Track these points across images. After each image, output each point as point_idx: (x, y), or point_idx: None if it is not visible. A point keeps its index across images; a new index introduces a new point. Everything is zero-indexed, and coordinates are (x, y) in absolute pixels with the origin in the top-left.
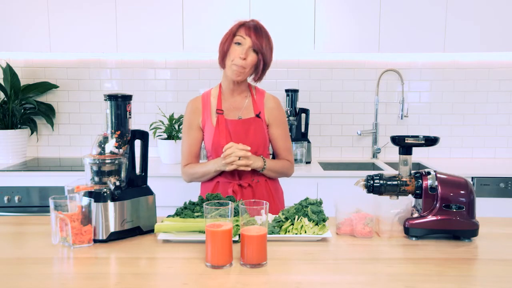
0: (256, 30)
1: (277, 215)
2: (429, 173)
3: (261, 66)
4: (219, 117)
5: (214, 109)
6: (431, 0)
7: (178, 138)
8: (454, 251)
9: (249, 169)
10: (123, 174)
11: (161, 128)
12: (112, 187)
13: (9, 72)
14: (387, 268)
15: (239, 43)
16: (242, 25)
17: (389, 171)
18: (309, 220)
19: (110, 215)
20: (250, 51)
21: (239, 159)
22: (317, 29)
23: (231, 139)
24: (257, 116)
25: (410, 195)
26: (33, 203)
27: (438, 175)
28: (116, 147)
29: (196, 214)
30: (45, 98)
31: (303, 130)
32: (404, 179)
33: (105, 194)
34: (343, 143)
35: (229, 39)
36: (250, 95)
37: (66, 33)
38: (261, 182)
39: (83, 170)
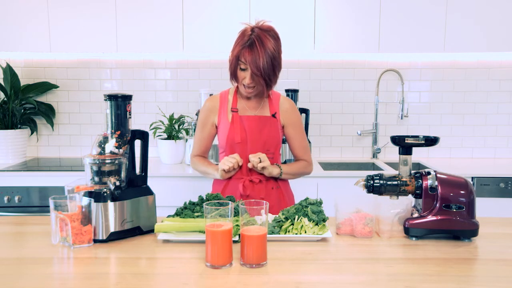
0: (252, 51)
1: (277, 215)
2: (429, 173)
3: (265, 85)
4: (234, 115)
5: (231, 107)
6: (431, 0)
7: (178, 138)
8: (454, 251)
9: (264, 171)
10: (123, 174)
11: (161, 128)
12: (112, 187)
13: (9, 72)
14: (387, 268)
15: (243, 69)
16: (242, 47)
17: (389, 171)
18: (309, 220)
19: (110, 215)
20: (254, 75)
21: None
22: (317, 29)
23: (246, 135)
24: (273, 116)
25: (410, 195)
26: (33, 203)
27: (438, 175)
28: (116, 147)
29: (196, 214)
30: (45, 98)
31: None
32: (404, 179)
33: (105, 194)
34: (343, 143)
35: (234, 62)
36: (266, 96)
37: (66, 33)
38: (270, 180)
39: (83, 170)
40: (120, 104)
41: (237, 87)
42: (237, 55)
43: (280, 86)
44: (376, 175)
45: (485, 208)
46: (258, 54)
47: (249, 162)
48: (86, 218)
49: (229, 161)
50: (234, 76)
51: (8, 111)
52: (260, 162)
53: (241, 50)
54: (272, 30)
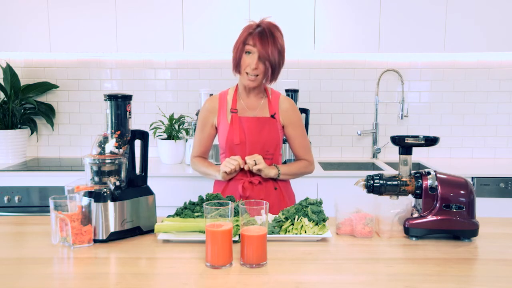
0: (262, 38)
1: (277, 215)
2: (429, 173)
3: (269, 73)
4: (233, 116)
5: (230, 108)
6: (431, 0)
7: (178, 138)
8: (454, 251)
9: (260, 172)
10: (123, 174)
11: (161, 128)
12: (112, 187)
13: (9, 72)
14: (387, 268)
15: (249, 52)
16: (250, 33)
17: (389, 171)
18: (309, 220)
19: (110, 215)
20: (259, 60)
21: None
22: (317, 29)
23: (245, 137)
24: (272, 116)
25: (410, 195)
26: (33, 203)
27: (438, 175)
28: (116, 147)
29: (196, 214)
30: (45, 98)
31: None
32: (404, 179)
33: (105, 194)
34: (343, 143)
35: (240, 47)
36: (265, 96)
37: (66, 33)
38: (270, 181)
39: (83, 170)
40: (120, 104)
41: (237, 87)
42: (244, 40)
43: (280, 86)
44: (376, 175)
45: (485, 208)
46: (268, 41)
47: (245, 164)
48: (86, 218)
49: (231, 163)
50: (238, 63)
51: (8, 111)
52: (256, 164)
53: (249, 36)
54: (278, 27)
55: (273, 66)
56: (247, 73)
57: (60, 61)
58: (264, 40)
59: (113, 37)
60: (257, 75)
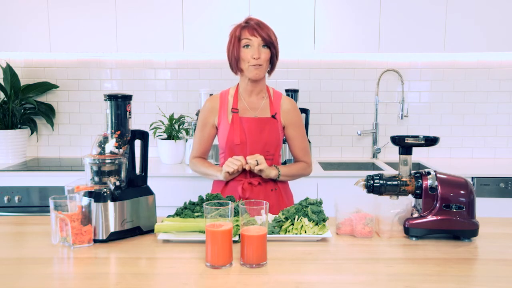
0: (260, 27)
1: (277, 215)
2: (429, 173)
3: (275, 58)
4: (234, 116)
5: (231, 108)
6: (431, 0)
7: (178, 138)
8: (454, 251)
9: (261, 173)
10: (123, 174)
11: (161, 128)
12: (112, 187)
13: (9, 72)
14: (387, 268)
15: (247, 46)
16: (243, 27)
17: (389, 171)
18: (309, 220)
19: (110, 215)
20: (260, 48)
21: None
22: (317, 29)
23: (245, 137)
24: (273, 117)
25: (410, 195)
26: (33, 203)
27: (438, 175)
28: (116, 147)
29: (196, 214)
30: (45, 98)
31: None
32: (404, 179)
33: (105, 194)
34: (343, 143)
35: (236, 44)
36: (267, 96)
37: (66, 33)
38: (269, 182)
39: (83, 170)
40: (120, 104)
41: (237, 87)
42: (239, 35)
43: (280, 86)
44: (376, 175)
45: (485, 208)
46: (262, 28)
47: (247, 163)
48: (86, 218)
49: (234, 163)
50: (238, 60)
51: (8, 111)
52: (257, 164)
53: (243, 30)
54: None
55: (276, 51)
56: (251, 66)
57: (60, 61)
58: (264, 29)
59: (113, 37)
60: (261, 65)
